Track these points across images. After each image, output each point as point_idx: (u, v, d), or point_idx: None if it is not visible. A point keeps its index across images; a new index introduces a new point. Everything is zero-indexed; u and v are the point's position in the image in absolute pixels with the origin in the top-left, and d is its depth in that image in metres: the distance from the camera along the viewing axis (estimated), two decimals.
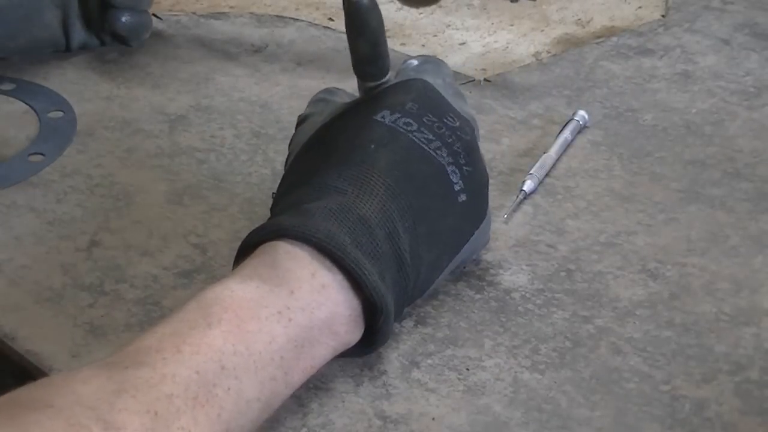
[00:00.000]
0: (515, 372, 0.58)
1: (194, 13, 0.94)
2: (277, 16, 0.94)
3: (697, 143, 0.77)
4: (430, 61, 0.65)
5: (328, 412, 0.55)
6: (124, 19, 0.84)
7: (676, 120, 0.80)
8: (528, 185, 0.71)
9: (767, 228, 0.69)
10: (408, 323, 0.61)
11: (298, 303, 0.52)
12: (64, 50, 0.86)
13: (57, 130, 0.78)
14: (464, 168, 0.58)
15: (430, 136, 0.58)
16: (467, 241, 0.60)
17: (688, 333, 0.61)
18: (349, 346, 0.54)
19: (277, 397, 0.51)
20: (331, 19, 0.94)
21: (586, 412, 0.56)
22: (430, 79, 0.62)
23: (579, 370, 0.58)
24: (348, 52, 0.61)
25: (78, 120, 0.79)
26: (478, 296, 0.63)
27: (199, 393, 0.46)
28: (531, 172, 0.72)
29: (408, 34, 0.93)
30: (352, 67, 0.61)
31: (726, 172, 0.74)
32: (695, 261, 0.66)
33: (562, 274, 0.65)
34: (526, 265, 0.65)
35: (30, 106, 0.81)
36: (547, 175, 0.73)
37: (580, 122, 0.77)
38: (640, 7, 0.96)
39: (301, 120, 0.65)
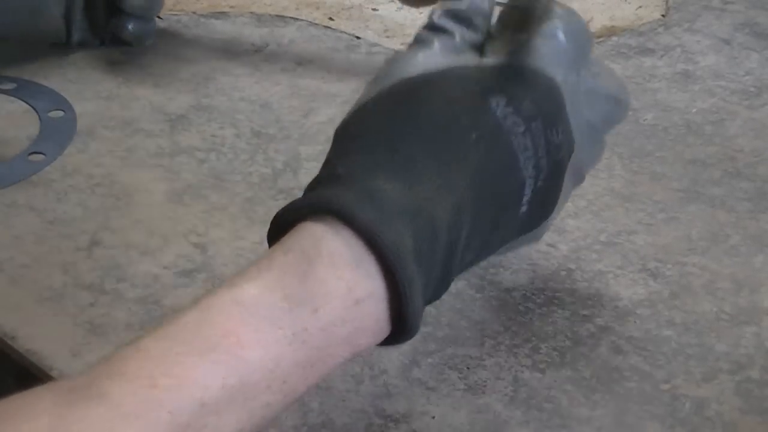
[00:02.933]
0: (515, 371, 0.58)
1: (194, 12, 0.94)
2: (277, 15, 0.94)
3: (697, 143, 0.77)
4: (578, 46, 0.54)
5: (329, 411, 0.55)
6: (131, 26, 0.85)
7: (676, 119, 0.80)
8: None
9: (767, 227, 0.69)
10: None
11: (320, 323, 0.44)
12: (64, 43, 0.86)
13: (57, 130, 0.78)
14: (538, 183, 0.52)
15: (528, 145, 0.51)
16: (511, 240, 0.54)
17: (689, 332, 0.61)
18: (363, 353, 0.49)
19: (271, 417, 0.44)
20: (331, 18, 0.94)
21: (586, 411, 0.56)
22: (561, 74, 0.53)
23: (579, 369, 0.58)
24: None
25: (78, 119, 0.79)
26: (478, 295, 0.63)
27: None
28: None
29: (408, 34, 0.92)
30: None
31: (726, 172, 0.74)
32: (696, 260, 0.66)
33: (563, 273, 0.65)
34: (527, 264, 0.65)
35: (30, 105, 0.81)
36: None
37: None
38: (640, 7, 0.96)
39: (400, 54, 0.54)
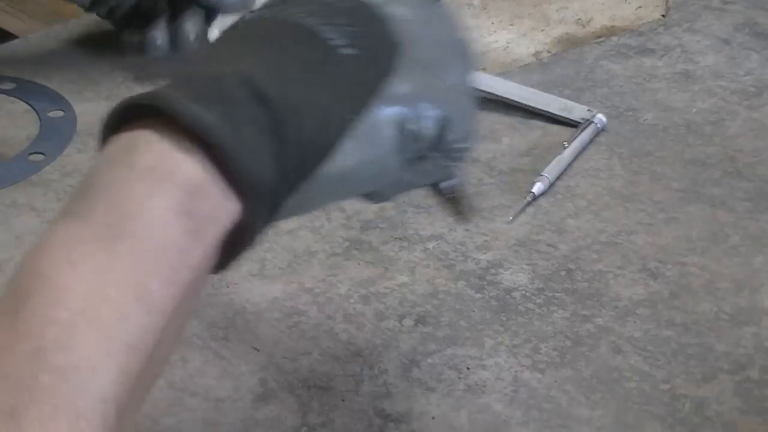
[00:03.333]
0: (515, 371, 0.58)
1: None
2: None
3: (697, 143, 0.77)
4: None
5: (329, 411, 0.55)
6: (159, 42, 0.84)
7: (676, 119, 0.80)
8: (537, 187, 0.70)
9: (767, 227, 0.69)
10: (408, 322, 0.61)
11: (112, 216, 0.39)
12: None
13: (57, 130, 0.78)
14: (346, 27, 0.48)
15: (293, 10, 0.49)
16: (373, 91, 0.49)
17: (689, 332, 0.61)
18: (228, 224, 0.43)
19: (147, 331, 0.38)
20: None
21: (586, 411, 0.56)
22: None
23: (579, 369, 0.58)
24: None
25: (78, 119, 0.79)
26: (478, 295, 0.63)
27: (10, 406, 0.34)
28: (543, 173, 0.71)
29: None
30: None
31: (726, 172, 0.74)
32: (695, 260, 0.66)
33: (563, 273, 0.65)
34: (527, 264, 0.65)
35: (30, 105, 0.81)
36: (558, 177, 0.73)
37: (599, 125, 0.77)
38: (640, 7, 0.96)
39: None
